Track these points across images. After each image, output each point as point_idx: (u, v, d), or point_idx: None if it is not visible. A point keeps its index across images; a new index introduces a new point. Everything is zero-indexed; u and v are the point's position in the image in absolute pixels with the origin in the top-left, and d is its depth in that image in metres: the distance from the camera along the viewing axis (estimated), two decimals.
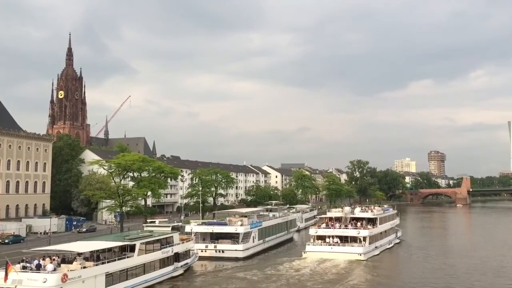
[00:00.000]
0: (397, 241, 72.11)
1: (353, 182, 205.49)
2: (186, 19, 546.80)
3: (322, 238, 58.97)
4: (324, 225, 62.47)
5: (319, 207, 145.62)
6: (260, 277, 46.26)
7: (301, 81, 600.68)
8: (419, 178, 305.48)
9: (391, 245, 67.34)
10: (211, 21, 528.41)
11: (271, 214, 78.79)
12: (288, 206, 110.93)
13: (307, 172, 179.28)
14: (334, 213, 66.44)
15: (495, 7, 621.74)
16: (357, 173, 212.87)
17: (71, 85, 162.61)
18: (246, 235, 60.05)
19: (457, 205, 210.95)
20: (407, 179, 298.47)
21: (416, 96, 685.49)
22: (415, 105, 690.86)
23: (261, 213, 78.44)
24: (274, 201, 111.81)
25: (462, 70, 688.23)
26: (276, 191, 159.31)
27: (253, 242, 61.67)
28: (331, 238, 58.26)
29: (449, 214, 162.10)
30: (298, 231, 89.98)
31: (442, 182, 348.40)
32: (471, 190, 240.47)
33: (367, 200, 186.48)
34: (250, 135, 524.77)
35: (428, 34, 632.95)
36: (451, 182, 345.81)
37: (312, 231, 60.81)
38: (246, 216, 65.24)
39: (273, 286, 42.54)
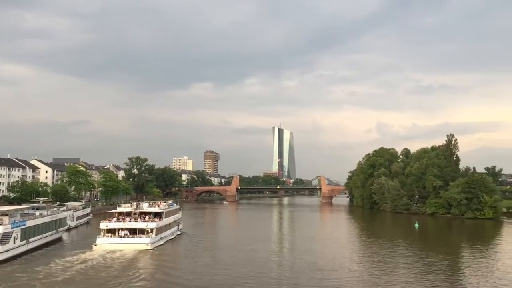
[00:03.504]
0: (179, 232, 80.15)
1: (131, 179, 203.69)
2: None
3: (112, 231, 62.99)
4: (114, 219, 66.24)
5: (93, 204, 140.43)
6: (35, 276, 44.40)
7: (82, 72, 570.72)
8: (195, 176, 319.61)
9: (173, 236, 75.03)
10: None
11: (37, 213, 73.36)
12: (58, 203, 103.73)
13: (82, 168, 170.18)
14: (124, 208, 71.35)
15: (271, 23, 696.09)
16: (135, 170, 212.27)
17: None
18: (6, 236, 54.77)
19: (224, 202, 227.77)
20: (184, 177, 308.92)
21: (197, 97, 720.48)
22: (196, 106, 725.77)
23: (26, 211, 72.64)
24: (42, 199, 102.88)
25: (239, 77, 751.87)
26: (45, 188, 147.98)
27: (14, 243, 56.59)
28: (121, 231, 62.69)
29: (219, 210, 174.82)
30: (69, 230, 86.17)
31: (215, 181, 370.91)
32: (239, 188, 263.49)
33: (144, 197, 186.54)
34: (19, 125, 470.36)
35: (211, 39, 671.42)
36: (223, 180, 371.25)
37: (103, 225, 63.84)
38: (6, 215, 59.43)
39: (59, 280, 42.99)
